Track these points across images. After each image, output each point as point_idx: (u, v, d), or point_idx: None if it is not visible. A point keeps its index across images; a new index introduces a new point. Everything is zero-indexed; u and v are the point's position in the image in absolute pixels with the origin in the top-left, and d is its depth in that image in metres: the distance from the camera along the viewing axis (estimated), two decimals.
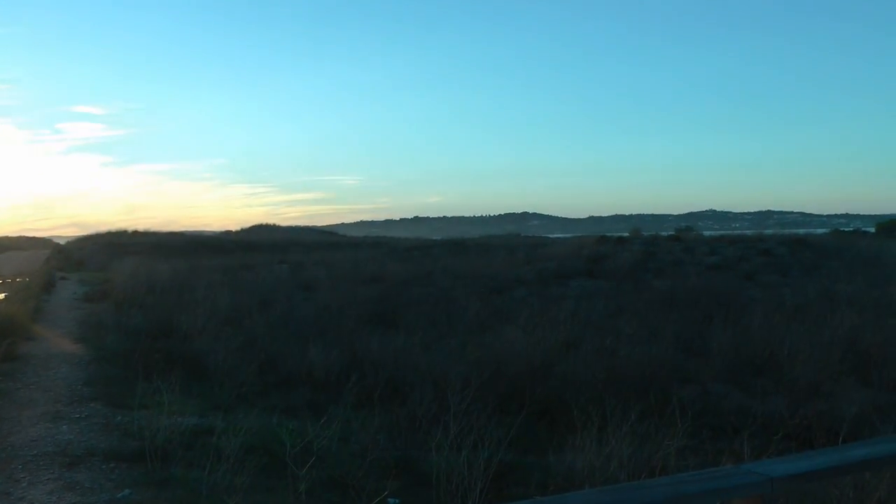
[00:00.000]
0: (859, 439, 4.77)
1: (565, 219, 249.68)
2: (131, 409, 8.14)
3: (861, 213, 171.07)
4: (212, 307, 16.09)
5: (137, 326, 14.00)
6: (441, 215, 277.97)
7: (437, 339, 12.60)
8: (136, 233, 55.42)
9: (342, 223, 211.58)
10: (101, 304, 20.00)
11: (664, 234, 45.36)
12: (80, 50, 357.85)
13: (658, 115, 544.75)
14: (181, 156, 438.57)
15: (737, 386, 10.74)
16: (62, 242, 77.57)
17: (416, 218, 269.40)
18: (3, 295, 22.32)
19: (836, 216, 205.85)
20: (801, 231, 55.87)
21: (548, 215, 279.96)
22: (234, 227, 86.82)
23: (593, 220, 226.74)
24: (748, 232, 50.28)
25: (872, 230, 51.37)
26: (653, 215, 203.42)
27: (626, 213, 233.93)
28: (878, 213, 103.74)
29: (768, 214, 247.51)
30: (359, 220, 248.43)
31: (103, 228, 59.16)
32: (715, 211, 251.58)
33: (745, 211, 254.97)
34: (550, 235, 78.60)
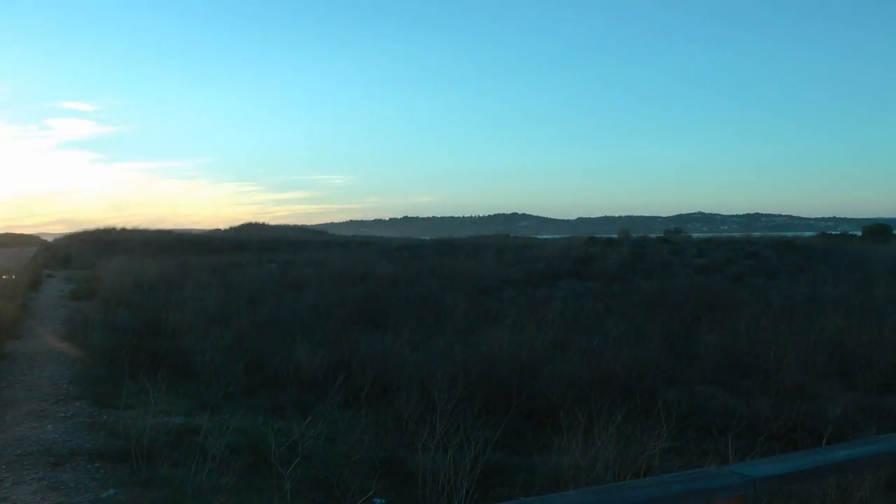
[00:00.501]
0: (843, 441, 4.81)
1: (555, 220, 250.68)
2: (117, 409, 8.11)
3: (848, 217, 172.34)
4: (199, 306, 16.07)
5: (124, 325, 13.94)
6: (431, 215, 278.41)
7: (424, 340, 12.60)
8: (124, 230, 55.27)
9: (331, 222, 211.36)
10: (88, 302, 19.91)
11: (653, 235, 45.65)
12: (69, 45, 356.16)
13: (648, 118, 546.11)
14: (170, 153, 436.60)
15: (723, 387, 10.78)
16: (49, 240, 77.28)
17: (405, 218, 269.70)
18: None
19: (823, 219, 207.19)
20: (789, 234, 56.25)
21: (537, 216, 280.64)
22: (223, 226, 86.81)
23: (583, 222, 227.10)
24: (736, 234, 50.50)
25: (859, 234, 51.71)
26: (642, 217, 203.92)
27: (616, 215, 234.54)
28: (865, 216, 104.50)
29: (756, 217, 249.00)
30: (348, 219, 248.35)
31: (91, 226, 59.18)
32: (704, 213, 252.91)
33: (734, 213, 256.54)
34: (540, 236, 78.70)
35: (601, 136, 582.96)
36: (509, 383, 9.44)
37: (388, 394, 9.09)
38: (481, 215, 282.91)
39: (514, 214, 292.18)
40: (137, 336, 12.56)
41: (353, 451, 6.81)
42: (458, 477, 5.74)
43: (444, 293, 19.65)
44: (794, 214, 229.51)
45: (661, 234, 46.52)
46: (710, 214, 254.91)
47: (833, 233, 54.90)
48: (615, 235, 44.53)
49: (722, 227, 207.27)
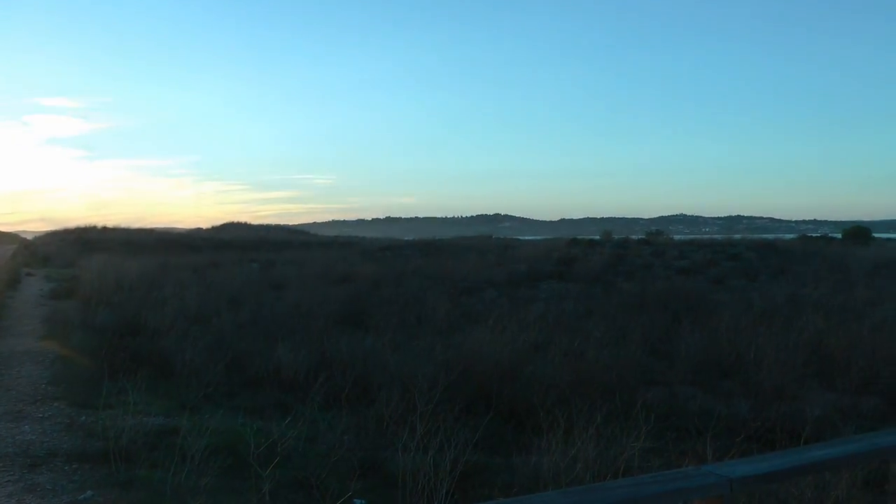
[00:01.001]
0: (821, 441, 4.84)
1: (537, 221, 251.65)
2: (96, 409, 8.04)
3: (828, 220, 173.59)
4: (180, 305, 15.98)
5: (104, 324, 13.84)
6: (413, 216, 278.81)
7: (406, 340, 12.58)
8: (105, 229, 55.00)
9: (314, 222, 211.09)
10: (68, 301, 19.77)
11: (635, 237, 45.89)
12: (51, 41, 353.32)
13: (631, 120, 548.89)
14: (155, 151, 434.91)
15: (703, 388, 10.83)
16: (29, 238, 76.65)
17: (388, 218, 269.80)
18: None
19: (804, 222, 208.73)
20: (770, 236, 56.67)
21: (520, 217, 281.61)
22: (205, 225, 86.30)
23: (565, 223, 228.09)
24: (718, 236, 50.84)
25: (839, 236, 52.10)
26: (624, 219, 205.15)
27: (598, 216, 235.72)
28: (844, 219, 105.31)
29: (738, 219, 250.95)
30: (331, 219, 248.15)
31: (72, 224, 58.67)
32: (685, 215, 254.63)
33: (716, 216, 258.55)
34: (522, 237, 78.83)
35: (584, 139, 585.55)
36: (490, 384, 9.44)
37: (368, 394, 9.07)
38: (464, 216, 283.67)
39: (497, 215, 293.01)
40: (117, 336, 12.47)
41: (333, 451, 6.79)
42: (438, 478, 5.73)
43: (426, 294, 19.63)
44: (776, 217, 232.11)
45: (644, 236, 46.74)
46: (693, 216, 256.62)
47: (813, 235, 55.26)
48: (597, 237, 44.72)
49: (704, 229, 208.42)
